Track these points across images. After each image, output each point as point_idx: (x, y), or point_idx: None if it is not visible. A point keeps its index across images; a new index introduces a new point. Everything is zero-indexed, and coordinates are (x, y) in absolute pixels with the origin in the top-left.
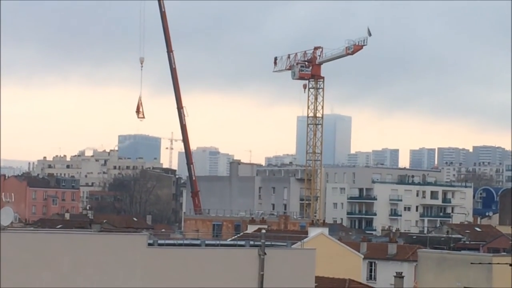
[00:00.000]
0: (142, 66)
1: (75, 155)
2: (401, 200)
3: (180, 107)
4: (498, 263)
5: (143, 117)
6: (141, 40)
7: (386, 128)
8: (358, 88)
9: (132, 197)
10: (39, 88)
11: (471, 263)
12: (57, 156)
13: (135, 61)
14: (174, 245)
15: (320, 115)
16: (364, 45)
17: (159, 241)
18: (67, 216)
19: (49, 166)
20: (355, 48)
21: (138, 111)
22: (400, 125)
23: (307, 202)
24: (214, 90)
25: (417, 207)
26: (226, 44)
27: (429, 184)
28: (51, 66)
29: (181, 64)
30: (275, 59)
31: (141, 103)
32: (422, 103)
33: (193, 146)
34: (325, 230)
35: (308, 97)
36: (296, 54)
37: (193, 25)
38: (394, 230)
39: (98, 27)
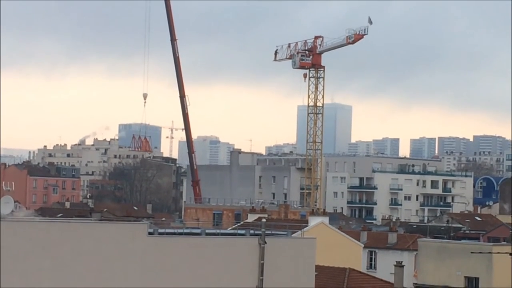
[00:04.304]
0: (145, 102)
1: (76, 144)
2: (401, 190)
3: (182, 96)
4: (498, 252)
5: (151, 151)
6: (146, 32)
7: (403, 119)
8: (378, 79)
9: (133, 186)
10: (60, 79)
11: (471, 252)
12: (57, 145)
13: (155, 54)
14: (174, 234)
15: (321, 104)
16: (365, 34)
17: (160, 230)
18: (67, 205)
19: (50, 155)
20: (355, 37)
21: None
22: (418, 117)
23: (307, 191)
24: (220, 81)
25: (417, 196)
26: (240, 36)
27: (429, 173)
28: (74, 58)
29: (192, 56)
30: (275, 52)
31: (143, 140)
32: (441, 96)
33: (193, 135)
34: (325, 219)
35: (309, 86)
36: (296, 43)
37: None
38: (394, 219)
39: (124, 19)
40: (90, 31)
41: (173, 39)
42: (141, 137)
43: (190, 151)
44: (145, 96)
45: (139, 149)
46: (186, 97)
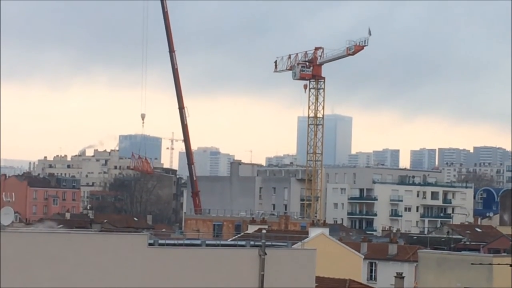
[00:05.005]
0: (143, 122)
1: (76, 155)
2: (401, 201)
3: (181, 107)
4: (499, 264)
5: (152, 173)
6: (144, 42)
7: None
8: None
9: (133, 197)
10: (63, 90)
11: (472, 264)
12: (57, 156)
13: (157, 65)
14: (174, 245)
15: (321, 115)
16: (365, 46)
17: (160, 241)
18: (67, 216)
19: (50, 166)
20: (356, 49)
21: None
22: (418, 128)
23: (307, 202)
24: (221, 92)
25: (417, 207)
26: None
27: (429, 184)
28: (78, 69)
29: (194, 67)
30: (275, 62)
31: (143, 160)
32: (445, 107)
33: (193, 146)
34: (326, 231)
35: (309, 97)
36: (297, 54)
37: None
38: (394, 231)
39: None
40: (95, 42)
41: (171, 51)
42: (141, 157)
43: (190, 162)
44: (143, 116)
45: (139, 169)
46: (185, 108)
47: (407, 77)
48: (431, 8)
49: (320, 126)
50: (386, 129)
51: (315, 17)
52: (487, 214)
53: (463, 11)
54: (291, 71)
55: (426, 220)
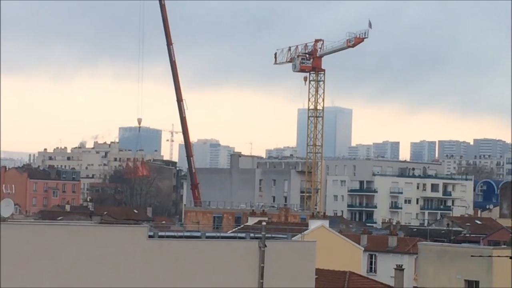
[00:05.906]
0: (140, 127)
1: (76, 147)
2: (401, 193)
3: (180, 100)
4: (499, 256)
5: (149, 175)
6: (140, 37)
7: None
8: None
9: (133, 189)
10: (67, 83)
11: (472, 256)
12: (57, 148)
13: (159, 56)
14: (174, 237)
15: (321, 108)
16: (365, 38)
17: (160, 233)
18: (67, 208)
19: (50, 158)
20: (356, 41)
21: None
22: (419, 120)
23: (307, 194)
24: (221, 85)
25: (417, 199)
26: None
27: (429, 176)
28: (83, 62)
29: (194, 61)
30: (275, 55)
31: (141, 163)
32: (446, 101)
33: (193, 138)
34: (326, 223)
35: (309, 89)
36: (297, 46)
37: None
38: (394, 223)
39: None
40: (100, 35)
41: (169, 44)
42: (137, 162)
43: (189, 155)
44: (139, 121)
45: (134, 175)
46: (184, 101)
47: (409, 70)
48: (435, 1)
49: (320, 118)
50: (387, 121)
51: (319, 11)
52: (487, 206)
53: (467, 5)
54: (291, 63)
55: (426, 212)
